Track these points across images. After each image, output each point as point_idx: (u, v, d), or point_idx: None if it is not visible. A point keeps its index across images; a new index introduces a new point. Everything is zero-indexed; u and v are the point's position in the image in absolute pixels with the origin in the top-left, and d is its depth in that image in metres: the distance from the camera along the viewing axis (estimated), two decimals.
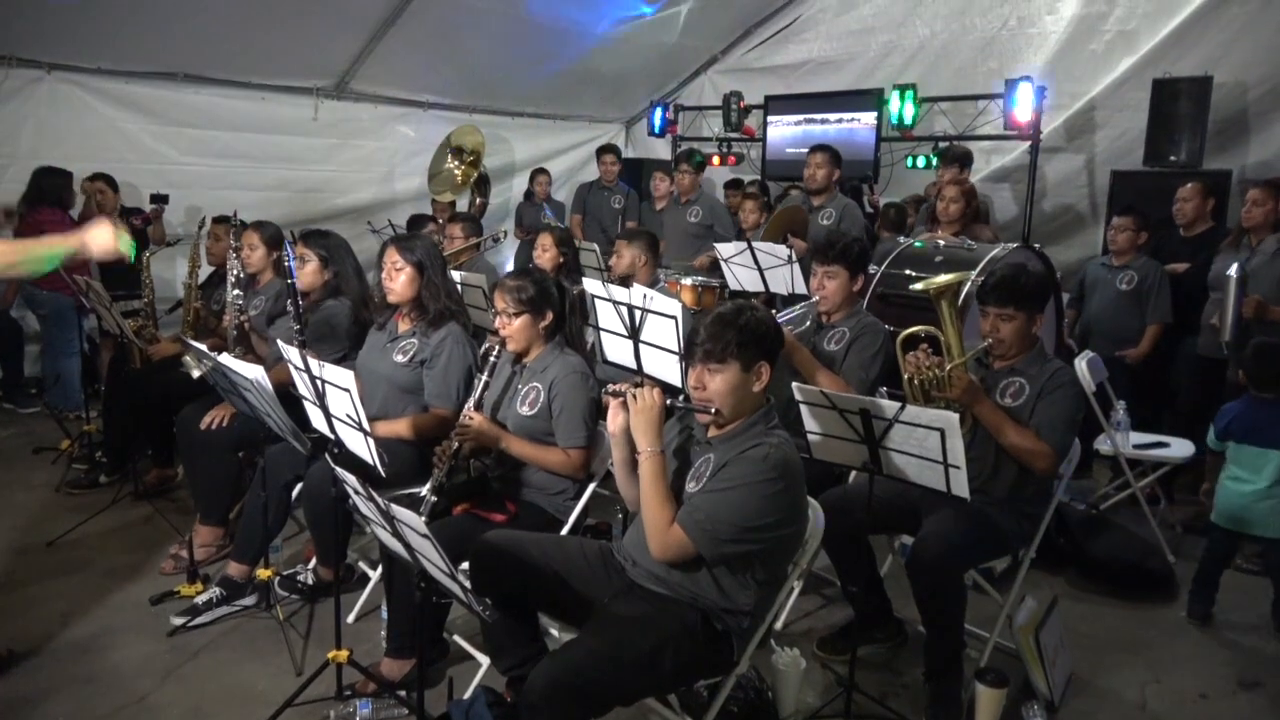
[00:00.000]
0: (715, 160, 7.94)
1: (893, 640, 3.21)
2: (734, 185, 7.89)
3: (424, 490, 2.82)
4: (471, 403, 2.86)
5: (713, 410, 2.24)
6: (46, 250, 2.53)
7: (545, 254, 4.54)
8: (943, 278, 3.00)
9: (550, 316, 2.93)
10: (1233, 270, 4.04)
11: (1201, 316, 4.54)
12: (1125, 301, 4.86)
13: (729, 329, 2.22)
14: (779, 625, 3.29)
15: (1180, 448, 4.28)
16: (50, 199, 5.33)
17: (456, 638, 3.03)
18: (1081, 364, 3.99)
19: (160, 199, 5.95)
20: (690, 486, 2.28)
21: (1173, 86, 5.64)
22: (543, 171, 7.62)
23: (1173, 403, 4.91)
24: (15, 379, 5.83)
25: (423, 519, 1.95)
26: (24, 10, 5.24)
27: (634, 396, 2.27)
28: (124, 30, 5.71)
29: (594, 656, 2.07)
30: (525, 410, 2.90)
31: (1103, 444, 4.20)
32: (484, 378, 2.87)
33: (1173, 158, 5.62)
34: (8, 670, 2.89)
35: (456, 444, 2.82)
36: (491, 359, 2.90)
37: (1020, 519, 2.94)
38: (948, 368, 2.86)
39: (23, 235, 5.11)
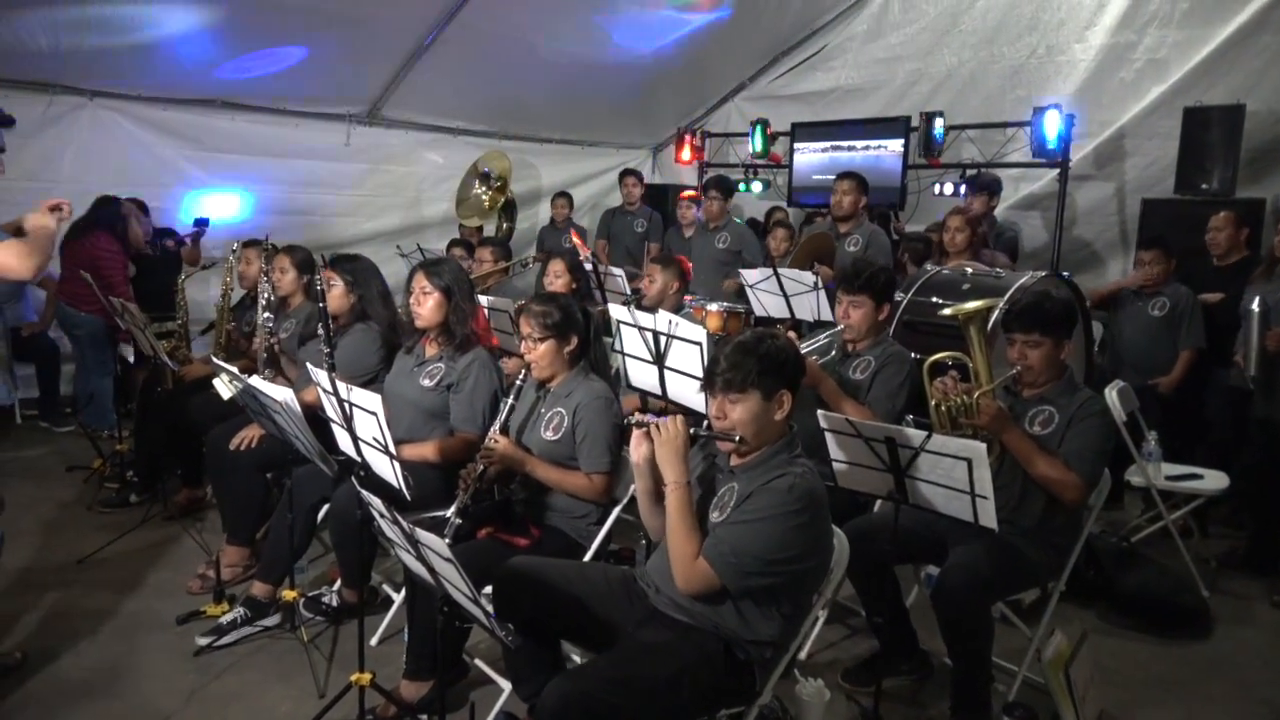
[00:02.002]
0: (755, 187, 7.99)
1: (918, 672, 3.16)
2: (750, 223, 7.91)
3: (448, 513, 2.83)
4: (497, 426, 2.88)
5: (736, 438, 2.24)
6: (39, 243, 2.64)
7: (558, 280, 4.56)
8: (972, 304, 2.99)
9: (575, 342, 2.94)
10: (1254, 304, 3.99)
11: (1235, 347, 4.47)
12: (1158, 328, 4.80)
13: (749, 358, 2.21)
14: (803, 655, 3.26)
15: (1214, 480, 4.20)
16: (104, 225, 5.45)
17: (478, 661, 3.03)
18: (1112, 393, 3.94)
19: (202, 223, 6.08)
20: (714, 516, 2.26)
21: (1204, 115, 5.61)
22: (563, 195, 7.67)
23: (1206, 434, 4.83)
24: (51, 398, 5.94)
25: (446, 542, 1.96)
26: (68, 40, 5.39)
27: (658, 428, 2.26)
28: (163, 59, 5.85)
29: (610, 679, 2.07)
30: (549, 435, 2.91)
31: (1134, 475, 4.14)
32: (510, 401, 2.88)
33: (1205, 186, 5.58)
34: (22, 675, 2.92)
35: (481, 467, 2.83)
36: (517, 382, 2.92)
37: (1049, 550, 2.89)
38: (975, 395, 2.84)
39: (75, 260, 5.22)
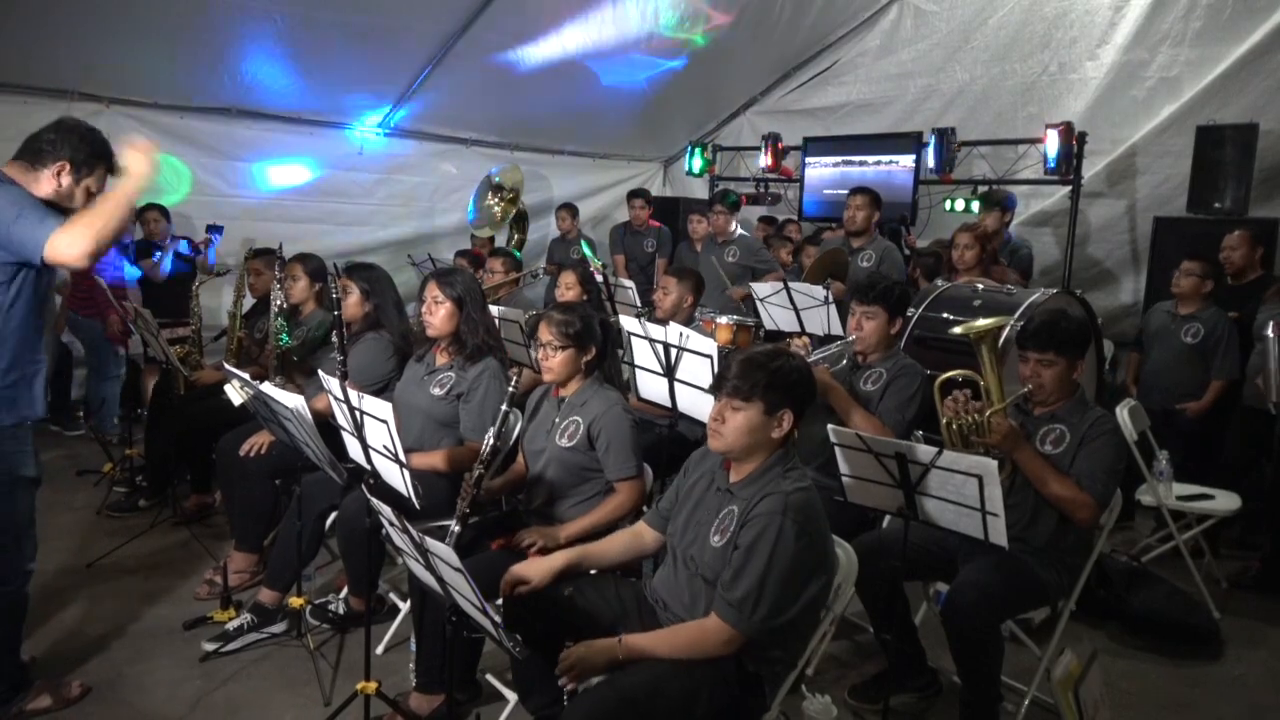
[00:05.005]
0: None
1: (927, 690, 3.13)
2: (769, 221, 7.93)
3: (451, 522, 2.81)
4: (492, 433, 2.79)
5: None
6: (116, 203, 2.56)
7: (569, 292, 4.57)
8: (983, 321, 2.97)
9: (593, 352, 2.95)
10: (1269, 330, 3.96)
11: (1247, 368, 4.44)
12: (1189, 355, 4.73)
13: (759, 370, 2.22)
14: (810, 671, 3.24)
15: (1225, 500, 4.17)
16: None
17: (488, 676, 3.02)
18: (1123, 412, 3.92)
19: (215, 229, 6.12)
20: (715, 540, 2.25)
21: (1217, 133, 5.60)
22: (565, 207, 7.63)
23: (1220, 453, 4.80)
24: (62, 402, 5.96)
25: (451, 550, 1.95)
26: (86, 47, 5.45)
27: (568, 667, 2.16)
28: (180, 66, 5.91)
29: (629, 701, 2.05)
30: (564, 442, 2.92)
31: (1145, 494, 4.11)
32: (504, 409, 2.80)
33: (1217, 205, 5.56)
34: (29, 678, 2.92)
35: (478, 473, 2.76)
36: (509, 390, 2.85)
37: (1060, 569, 2.87)
38: (987, 413, 2.82)
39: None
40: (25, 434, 2.73)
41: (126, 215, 2.63)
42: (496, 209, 7.44)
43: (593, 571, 2.77)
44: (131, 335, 4.98)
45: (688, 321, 4.36)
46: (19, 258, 2.51)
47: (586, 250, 6.62)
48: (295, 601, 3.31)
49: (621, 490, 2.87)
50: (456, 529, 2.76)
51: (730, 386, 2.24)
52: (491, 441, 2.78)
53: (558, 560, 2.46)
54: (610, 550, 2.58)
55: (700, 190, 8.84)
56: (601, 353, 2.99)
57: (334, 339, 2.97)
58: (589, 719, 2.01)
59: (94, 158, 2.66)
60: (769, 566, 2.10)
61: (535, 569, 2.43)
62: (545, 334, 2.92)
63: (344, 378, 2.77)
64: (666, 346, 3.32)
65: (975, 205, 6.42)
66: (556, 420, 2.96)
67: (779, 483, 2.20)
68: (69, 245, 2.45)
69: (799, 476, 2.24)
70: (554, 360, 2.91)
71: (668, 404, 3.44)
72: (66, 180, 2.62)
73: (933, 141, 6.84)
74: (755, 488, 2.23)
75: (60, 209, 2.61)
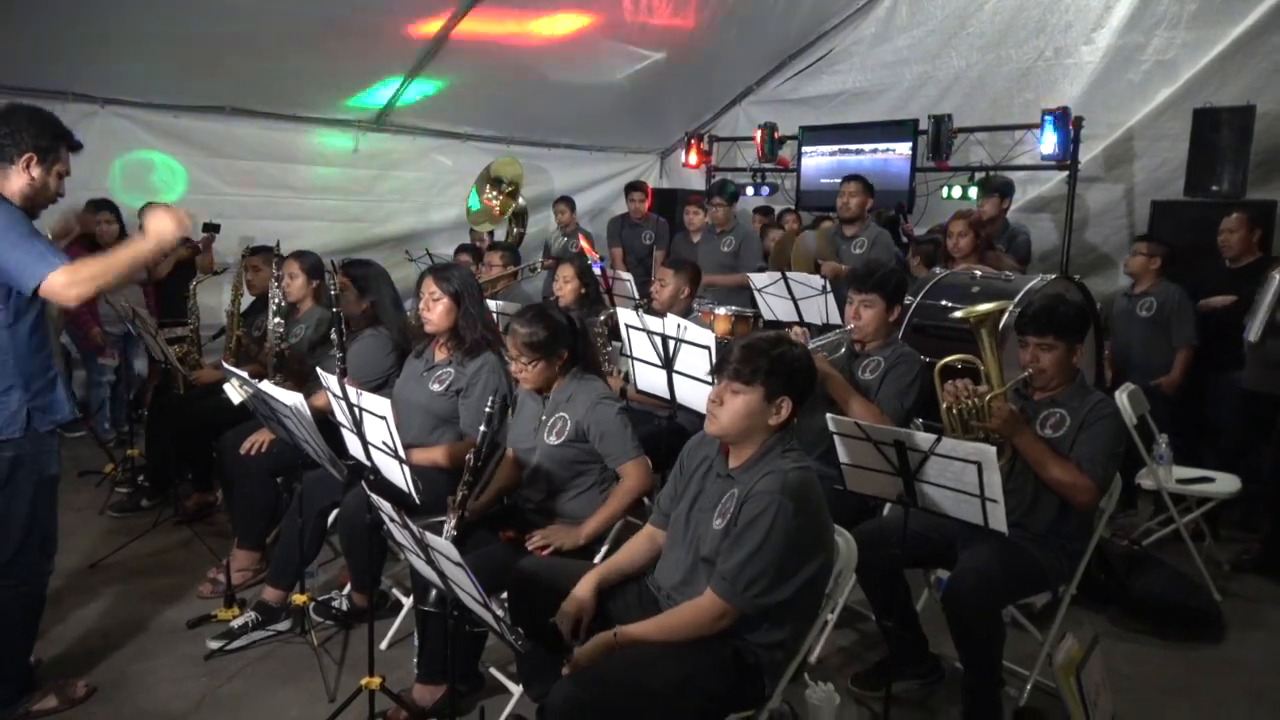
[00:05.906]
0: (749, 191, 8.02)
1: (929, 677, 3.14)
2: (764, 212, 7.92)
3: (447, 521, 2.79)
4: (473, 456, 2.69)
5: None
6: (128, 260, 2.57)
7: (566, 285, 4.57)
8: (984, 306, 2.97)
9: (566, 354, 2.94)
10: (1275, 271, 4.10)
11: (1245, 350, 4.44)
12: (1148, 330, 4.84)
13: (761, 356, 2.23)
14: (813, 659, 3.25)
15: (1225, 483, 4.18)
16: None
17: (491, 669, 3.03)
18: (1122, 396, 3.93)
19: (212, 228, 6.10)
20: (717, 523, 2.25)
21: (1214, 116, 5.58)
22: (563, 200, 7.61)
23: (1216, 437, 4.80)
24: None
25: (450, 544, 1.96)
26: (80, 48, 5.43)
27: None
28: (175, 66, 5.90)
29: (618, 682, 2.06)
30: (553, 440, 2.92)
31: (1145, 478, 4.12)
32: (483, 429, 2.66)
33: (1215, 188, 5.55)
34: (36, 679, 2.92)
35: (463, 495, 2.68)
36: (487, 410, 2.81)
37: (1060, 554, 2.88)
38: (988, 397, 2.83)
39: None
40: (53, 436, 2.74)
41: (136, 272, 2.68)
42: (495, 203, 7.43)
43: (597, 558, 2.79)
44: (108, 350, 5.04)
45: (685, 313, 4.36)
46: (6, 281, 2.51)
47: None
48: (298, 599, 3.31)
49: (629, 474, 2.87)
50: (453, 528, 2.74)
51: (731, 370, 2.25)
52: (474, 463, 2.69)
53: (592, 581, 2.41)
54: (634, 558, 2.55)
55: (697, 181, 8.83)
56: (574, 350, 2.97)
57: (333, 336, 2.97)
58: (578, 694, 2.02)
59: (56, 140, 2.65)
60: (764, 542, 2.11)
61: (582, 603, 2.36)
62: (513, 349, 2.91)
63: (343, 374, 2.77)
64: (665, 338, 3.32)
65: (973, 191, 6.41)
66: (543, 418, 2.97)
67: (778, 462, 2.22)
68: (65, 286, 2.45)
69: (798, 457, 2.26)
70: (530, 374, 2.91)
71: (666, 396, 3.45)
72: (37, 171, 2.61)
73: (930, 128, 6.82)
74: (755, 471, 2.24)
75: (35, 204, 2.63)
